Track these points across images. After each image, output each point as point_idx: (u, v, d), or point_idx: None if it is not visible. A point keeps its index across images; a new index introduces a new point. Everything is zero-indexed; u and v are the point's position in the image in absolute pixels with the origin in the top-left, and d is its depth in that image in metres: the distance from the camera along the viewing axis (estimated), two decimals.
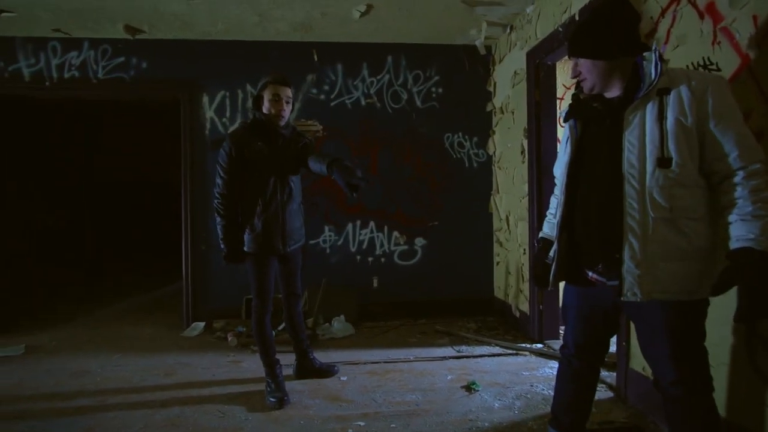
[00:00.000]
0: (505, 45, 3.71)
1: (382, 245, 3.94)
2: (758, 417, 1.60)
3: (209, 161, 3.79)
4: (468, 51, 3.96)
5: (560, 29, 2.81)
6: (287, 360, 3.01)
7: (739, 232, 1.22)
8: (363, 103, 3.92)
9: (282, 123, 2.34)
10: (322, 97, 3.89)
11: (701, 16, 1.81)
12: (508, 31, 3.62)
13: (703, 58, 1.80)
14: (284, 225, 2.40)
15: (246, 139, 2.32)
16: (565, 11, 2.79)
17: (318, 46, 3.85)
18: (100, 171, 6.49)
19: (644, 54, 1.36)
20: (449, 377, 2.66)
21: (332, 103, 3.90)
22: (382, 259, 3.94)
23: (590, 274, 1.49)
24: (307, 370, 2.71)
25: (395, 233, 3.93)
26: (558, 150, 1.65)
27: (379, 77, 3.93)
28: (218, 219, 2.41)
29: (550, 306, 3.21)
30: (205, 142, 3.80)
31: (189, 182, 3.79)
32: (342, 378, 2.70)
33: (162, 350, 3.24)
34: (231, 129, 2.46)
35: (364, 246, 3.92)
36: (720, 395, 1.70)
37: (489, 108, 4.01)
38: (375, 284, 3.92)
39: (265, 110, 2.31)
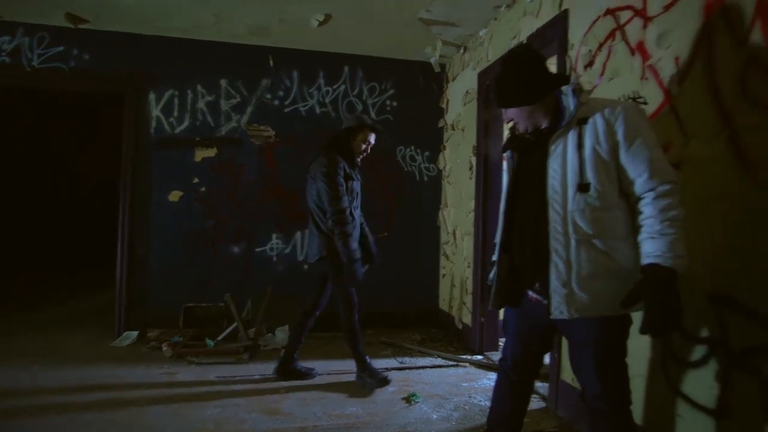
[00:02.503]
0: (458, 64, 3.84)
1: None
2: (670, 426, 1.72)
3: (154, 161, 3.63)
4: (423, 67, 4.06)
5: (510, 51, 2.94)
6: (223, 371, 2.91)
7: (649, 249, 1.30)
8: (318, 111, 3.91)
9: (359, 159, 2.74)
10: (276, 102, 3.84)
11: (632, 53, 1.97)
12: (462, 51, 3.75)
13: (633, 91, 1.95)
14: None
15: (345, 162, 2.65)
16: (515, 37, 2.93)
17: (274, 51, 3.81)
18: (37, 168, 6.03)
19: (563, 88, 1.47)
20: (390, 389, 2.66)
21: (286, 110, 3.86)
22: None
23: (529, 293, 1.57)
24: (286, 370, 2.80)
25: None
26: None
27: (335, 87, 3.94)
28: (347, 231, 2.53)
29: (491, 319, 3.30)
30: (149, 142, 3.63)
31: (129, 182, 3.60)
32: (282, 389, 2.63)
33: (89, 361, 3.03)
34: (329, 152, 2.65)
35: None
36: (637, 405, 1.82)
37: (441, 124, 4.11)
38: None
39: (356, 145, 2.68)
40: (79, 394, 2.51)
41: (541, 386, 2.59)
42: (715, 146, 1.56)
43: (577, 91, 1.45)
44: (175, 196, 3.67)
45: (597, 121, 1.40)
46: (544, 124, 1.50)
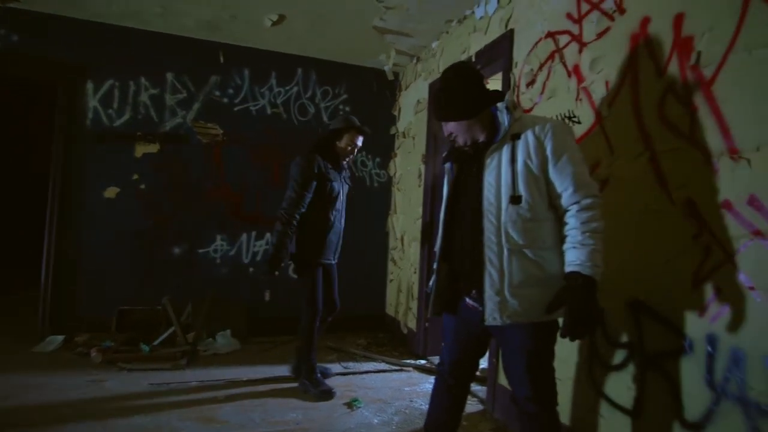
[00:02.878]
0: (411, 74, 3.91)
1: None
2: (593, 424, 1.84)
3: (89, 154, 3.41)
4: (377, 74, 4.10)
5: (450, 67, 3.04)
6: (157, 378, 2.80)
7: (571, 258, 1.40)
8: (269, 111, 3.84)
9: (345, 162, 2.75)
10: (226, 100, 3.74)
11: (569, 75, 2.10)
12: (415, 61, 3.83)
13: (569, 110, 2.08)
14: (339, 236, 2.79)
15: (326, 164, 2.66)
16: (464, 51, 3.04)
17: (225, 47, 3.71)
18: None
19: (498, 105, 1.56)
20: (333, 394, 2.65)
21: (236, 108, 3.76)
22: (276, 273, 3.82)
23: (467, 300, 1.63)
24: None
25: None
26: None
27: (287, 88, 3.89)
28: (282, 229, 2.58)
29: (435, 324, 3.37)
30: (85, 134, 3.41)
31: (60, 176, 3.36)
32: (220, 396, 2.55)
33: (5, 368, 2.79)
34: (309, 152, 2.66)
35: (258, 257, 3.79)
36: (565, 406, 1.93)
37: (393, 131, 4.17)
38: (267, 298, 3.80)
39: (342, 147, 2.70)
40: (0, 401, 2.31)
41: (480, 390, 2.68)
42: (638, 166, 1.70)
43: (511, 108, 1.54)
44: (111, 192, 3.47)
45: (528, 137, 1.48)
46: (481, 138, 1.56)
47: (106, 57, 3.45)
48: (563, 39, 2.14)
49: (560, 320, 1.47)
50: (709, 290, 1.43)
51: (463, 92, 1.51)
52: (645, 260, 1.65)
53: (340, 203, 2.75)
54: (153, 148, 3.56)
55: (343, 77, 4.03)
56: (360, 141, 2.74)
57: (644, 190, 1.66)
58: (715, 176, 1.43)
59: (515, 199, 1.47)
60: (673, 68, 1.58)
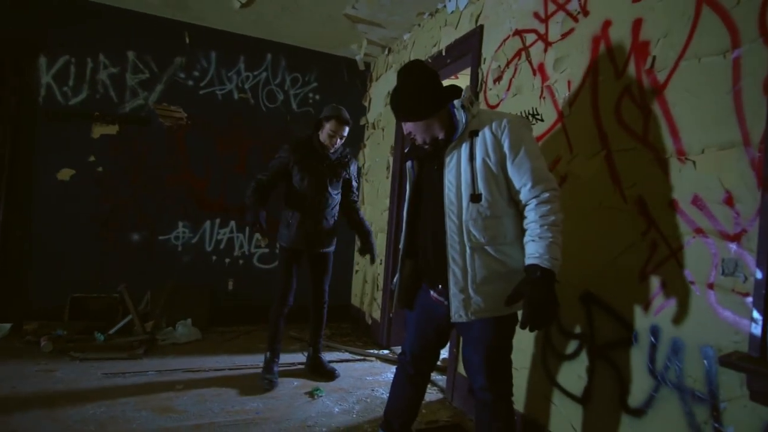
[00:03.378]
0: (382, 65, 3.90)
1: (241, 246, 3.78)
2: (546, 411, 1.92)
3: (41, 133, 3.24)
4: (348, 64, 4.07)
5: (429, 60, 3.06)
6: (112, 367, 2.72)
7: (530, 251, 1.43)
8: (236, 96, 3.75)
9: (331, 151, 2.64)
10: (191, 83, 3.62)
11: (534, 73, 2.15)
12: (386, 52, 3.82)
13: (533, 108, 2.13)
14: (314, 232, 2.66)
15: (299, 151, 2.62)
16: (435, 45, 3.05)
17: (192, 28, 3.59)
18: None
19: (455, 102, 1.54)
20: (295, 383, 2.65)
21: (201, 92, 3.65)
22: (241, 261, 3.78)
23: (431, 293, 1.66)
24: (317, 368, 2.80)
25: (257, 235, 3.80)
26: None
27: (255, 73, 3.81)
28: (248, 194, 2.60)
29: (399, 315, 3.41)
30: (36, 111, 3.23)
31: (8, 156, 3.17)
32: (178, 386, 2.50)
33: None
34: (294, 136, 2.72)
35: (222, 246, 3.72)
36: (520, 394, 2.00)
37: (362, 122, 4.15)
38: (230, 287, 3.74)
39: (321, 138, 2.62)
40: None
41: (439, 379, 2.74)
42: (594, 164, 1.76)
43: (467, 104, 1.53)
44: (65, 174, 3.31)
45: (486, 134, 1.50)
46: (440, 136, 1.56)
47: (61, 31, 3.27)
48: (530, 37, 2.19)
49: (520, 313, 1.52)
50: (654, 284, 1.51)
51: (418, 91, 1.50)
52: (597, 254, 1.72)
53: (319, 193, 2.63)
54: (112, 129, 3.41)
55: (313, 65, 3.97)
56: (344, 131, 2.62)
57: (599, 188, 1.73)
58: (664, 176, 1.50)
59: (475, 197, 1.48)
60: (631, 71, 1.64)
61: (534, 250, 1.41)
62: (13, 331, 3.11)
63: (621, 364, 1.61)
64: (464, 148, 1.52)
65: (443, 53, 2.92)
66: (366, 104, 4.16)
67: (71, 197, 3.32)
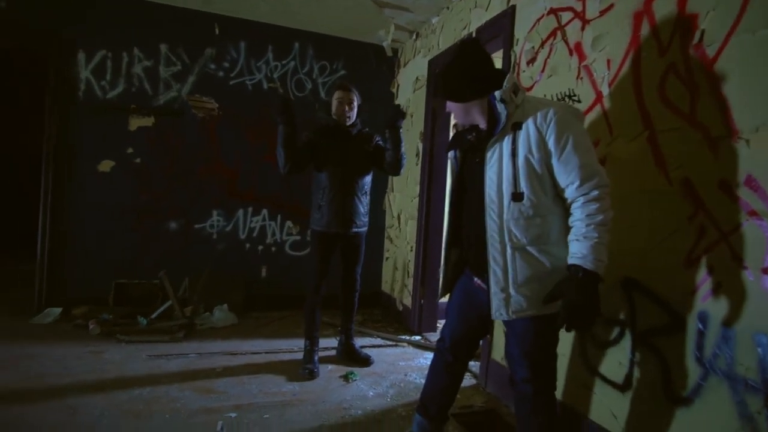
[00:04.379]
0: (410, 50, 3.85)
1: (273, 234, 3.85)
2: (585, 399, 1.89)
3: (83, 127, 3.36)
4: (376, 50, 4.04)
5: (458, 43, 3.00)
6: (155, 350, 2.83)
7: (573, 250, 1.36)
8: (265, 86, 3.78)
9: (347, 123, 2.61)
10: (221, 74, 3.67)
11: (570, 53, 2.07)
12: (414, 37, 3.77)
13: (569, 89, 2.06)
14: (344, 209, 2.62)
15: (319, 132, 2.63)
16: (465, 27, 2.99)
17: (221, 19, 3.63)
18: None
19: (495, 94, 1.44)
20: (329, 368, 2.70)
21: (231, 82, 3.70)
22: (273, 248, 3.85)
23: (476, 280, 1.63)
24: (349, 353, 2.84)
25: (288, 223, 3.86)
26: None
27: (284, 62, 3.83)
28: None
29: (430, 302, 3.42)
30: (78, 106, 3.36)
31: (53, 149, 3.32)
32: (217, 368, 2.59)
33: (3, 338, 2.81)
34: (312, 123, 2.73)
35: (255, 234, 3.80)
36: (558, 382, 1.97)
37: None
38: (264, 273, 3.82)
39: (333, 112, 2.63)
40: None
41: (473, 364, 2.73)
42: (636, 146, 1.70)
43: (507, 98, 1.43)
44: (106, 166, 3.44)
45: (529, 128, 1.41)
46: (482, 125, 1.51)
47: (97, 26, 3.36)
48: (566, 16, 2.11)
49: None
50: (702, 269, 1.46)
51: (462, 73, 1.46)
52: (639, 240, 1.67)
53: (346, 170, 2.60)
54: (148, 121, 3.51)
55: (341, 52, 3.96)
56: (351, 96, 2.58)
57: (641, 170, 1.67)
58: (714, 156, 1.44)
59: (517, 196, 1.42)
60: (676, 47, 1.56)
61: (577, 250, 1.35)
62: (63, 315, 3.28)
63: (665, 352, 1.56)
64: (506, 143, 1.45)
65: (473, 35, 2.86)
66: (394, 90, 4.13)
67: (112, 188, 3.45)
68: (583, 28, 2.00)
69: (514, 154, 1.43)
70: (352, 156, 2.63)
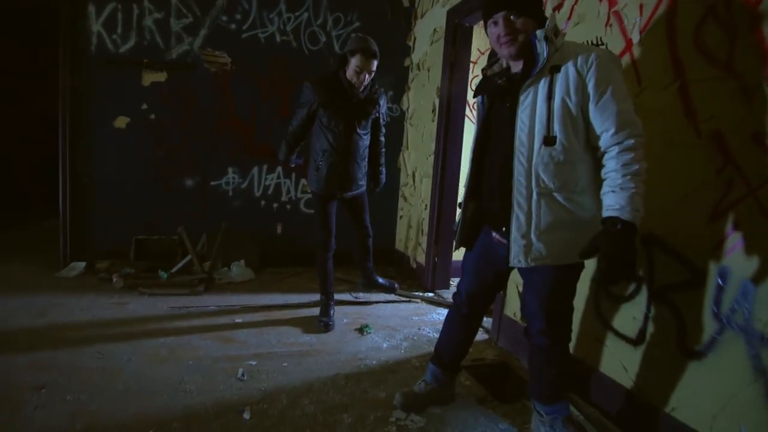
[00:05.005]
0: (428, 0, 3.68)
1: (288, 192, 3.86)
2: (596, 353, 1.91)
3: (96, 82, 3.35)
4: (392, 1, 3.87)
5: None
6: (177, 302, 2.92)
7: (609, 202, 1.31)
8: (278, 39, 3.68)
9: (360, 88, 2.47)
10: (233, 26, 3.58)
11: None
12: None
13: (597, 37, 1.96)
14: (344, 174, 2.60)
15: (324, 91, 2.48)
16: None
17: None
18: None
19: (536, 33, 1.38)
20: (345, 321, 2.77)
21: (244, 35, 3.61)
22: (288, 206, 3.87)
23: (494, 234, 1.61)
24: (371, 283, 3.03)
25: (303, 180, 3.86)
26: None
27: (297, 14, 3.70)
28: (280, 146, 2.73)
29: (444, 259, 3.44)
30: (91, 61, 3.32)
31: (68, 106, 3.32)
32: (237, 320, 2.68)
33: (33, 290, 2.93)
34: (316, 76, 2.60)
35: (270, 191, 3.81)
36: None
37: (407, 63, 4.00)
38: (279, 231, 3.86)
39: (348, 75, 2.44)
40: (25, 320, 2.45)
41: (485, 320, 2.77)
42: (665, 97, 1.62)
43: (551, 36, 1.38)
44: (121, 122, 3.44)
45: (569, 71, 1.36)
46: (517, 67, 1.45)
47: None
48: None
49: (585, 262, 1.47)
50: (727, 224, 1.42)
51: None
52: (665, 195, 1.62)
53: (349, 134, 2.52)
54: (161, 76, 3.47)
55: (356, 3, 3.81)
56: (372, 66, 2.42)
57: (670, 122, 1.60)
58: (749, 107, 1.37)
59: (549, 140, 1.37)
60: None
61: (615, 201, 1.30)
62: (87, 269, 3.39)
63: (682, 307, 1.56)
64: (542, 85, 1.39)
65: None
66: (410, 44, 3.98)
67: (128, 144, 3.46)
68: None
69: (550, 96, 1.38)
70: (357, 120, 2.54)
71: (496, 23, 1.44)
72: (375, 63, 2.44)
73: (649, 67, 1.70)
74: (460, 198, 1.77)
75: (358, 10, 3.82)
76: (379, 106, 2.64)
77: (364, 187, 2.78)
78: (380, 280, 2.95)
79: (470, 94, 3.63)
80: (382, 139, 2.83)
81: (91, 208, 3.46)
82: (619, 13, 1.85)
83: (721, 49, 1.45)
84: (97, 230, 3.49)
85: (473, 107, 3.76)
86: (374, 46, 2.42)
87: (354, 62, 2.40)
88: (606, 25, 1.91)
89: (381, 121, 2.73)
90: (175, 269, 3.35)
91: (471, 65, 3.45)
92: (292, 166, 2.69)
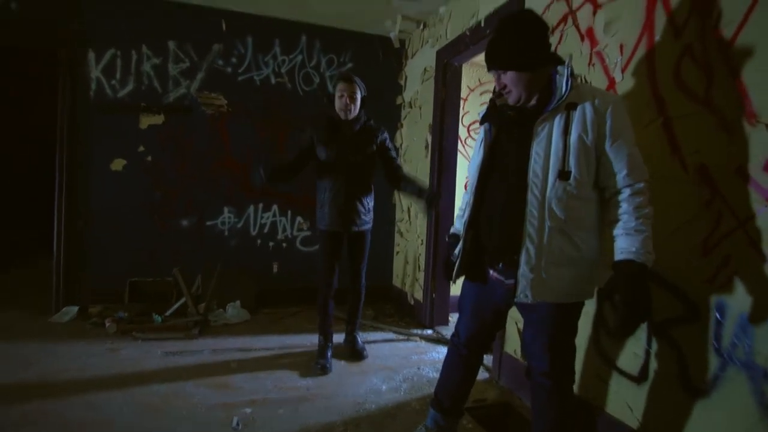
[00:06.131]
0: (417, 41, 3.81)
1: (284, 230, 3.86)
2: (601, 391, 1.87)
3: (94, 126, 3.40)
4: (383, 42, 4.00)
5: (467, 33, 2.96)
6: (171, 347, 2.87)
7: (623, 245, 1.33)
8: (273, 81, 3.78)
9: (349, 117, 2.54)
10: (229, 70, 3.67)
11: (582, 39, 2.03)
12: (421, 27, 3.72)
13: (582, 75, 2.02)
14: (345, 209, 2.58)
15: (319, 127, 2.58)
16: (473, 16, 2.94)
17: (228, 15, 3.62)
18: None
19: (558, 68, 1.42)
20: (342, 362, 2.71)
21: (239, 78, 3.70)
22: (284, 244, 3.86)
23: (491, 272, 1.59)
24: (350, 351, 2.84)
25: (299, 218, 3.87)
26: (473, 151, 1.70)
27: (291, 56, 3.81)
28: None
29: (442, 295, 3.41)
30: (89, 105, 3.39)
31: (66, 148, 3.36)
32: (232, 364, 2.61)
33: (23, 337, 2.87)
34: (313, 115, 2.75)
35: (266, 230, 3.81)
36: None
37: (399, 101, 4.10)
38: (275, 269, 3.84)
39: (336, 108, 2.57)
40: (14, 370, 2.39)
41: (486, 358, 2.71)
42: (650, 133, 1.66)
43: (572, 74, 1.41)
44: (118, 164, 3.47)
45: (587, 109, 1.38)
46: (531, 101, 1.46)
47: (106, 25, 3.38)
48: (576, 1, 2.06)
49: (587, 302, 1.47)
50: (719, 258, 1.42)
51: (529, 39, 1.39)
52: (656, 227, 1.62)
53: (346, 167, 2.54)
54: (158, 119, 3.53)
55: (348, 45, 3.93)
56: (354, 90, 2.51)
57: (656, 157, 1.63)
58: (731, 141, 1.39)
59: (564, 175, 1.38)
60: (691, 28, 1.52)
61: (630, 244, 1.31)
62: (80, 313, 3.34)
63: (682, 342, 1.53)
64: (558, 121, 1.40)
65: (482, 24, 2.81)
66: (402, 83, 4.09)
67: (124, 186, 3.48)
68: (594, 13, 1.95)
69: (566, 132, 1.39)
70: (353, 154, 2.56)
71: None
72: (355, 87, 2.54)
73: (632, 104, 1.74)
74: (452, 229, 1.77)
75: (350, 52, 3.95)
76: (377, 138, 2.64)
77: (369, 225, 2.73)
78: (356, 345, 2.82)
79: (462, 130, 3.70)
80: (393, 156, 2.70)
81: (85, 251, 3.44)
82: (601, 53, 1.91)
83: (699, 86, 1.49)
84: (92, 273, 3.46)
85: (465, 143, 3.83)
86: (351, 74, 2.59)
87: (336, 91, 2.55)
88: (589, 64, 1.97)
89: (387, 146, 2.69)
90: (169, 312, 3.31)
91: (461, 102, 3.54)
92: (257, 182, 2.42)
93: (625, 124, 1.39)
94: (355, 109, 2.55)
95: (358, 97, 2.56)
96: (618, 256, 1.33)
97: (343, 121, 2.56)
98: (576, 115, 1.38)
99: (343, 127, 2.56)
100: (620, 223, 1.35)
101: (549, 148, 1.40)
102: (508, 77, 1.43)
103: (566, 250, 1.41)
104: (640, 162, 1.38)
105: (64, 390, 2.22)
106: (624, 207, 1.35)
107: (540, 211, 1.41)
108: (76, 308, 3.35)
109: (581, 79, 2.00)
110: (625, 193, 1.35)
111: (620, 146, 1.36)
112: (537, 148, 1.42)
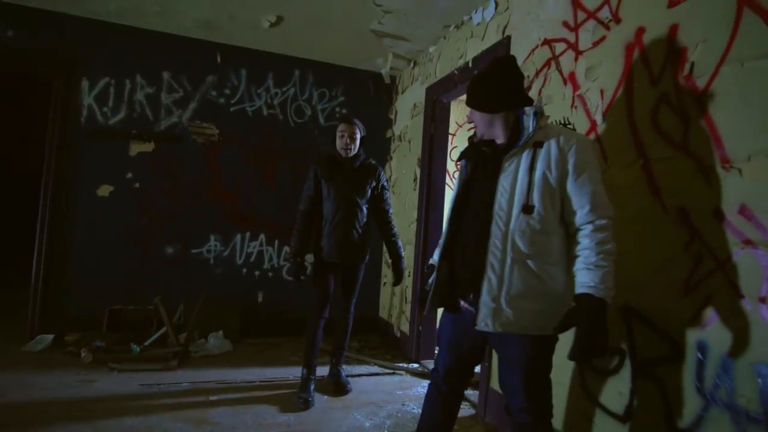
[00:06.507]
0: (408, 78, 3.93)
1: (271, 259, 3.83)
2: (586, 430, 1.85)
3: (83, 151, 3.39)
4: (374, 78, 4.12)
5: (456, 72, 3.07)
6: (148, 379, 2.78)
7: (583, 279, 1.36)
8: (265, 113, 3.84)
9: (350, 155, 2.67)
10: (222, 100, 3.73)
11: (564, 83, 2.12)
12: (412, 65, 3.85)
13: (564, 117, 2.10)
14: (344, 241, 2.66)
15: (323, 166, 2.71)
16: (461, 57, 3.05)
17: (223, 47, 3.71)
18: None
19: (525, 109, 1.51)
20: (325, 398, 2.65)
21: (232, 109, 3.75)
22: (270, 274, 3.83)
23: (462, 303, 1.61)
24: (334, 385, 2.79)
25: (285, 248, 3.85)
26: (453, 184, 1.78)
27: (284, 89, 3.89)
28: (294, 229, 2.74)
29: (428, 328, 3.38)
30: (79, 131, 3.39)
31: (53, 173, 3.33)
32: (211, 398, 2.53)
33: None
34: (319, 154, 2.88)
35: (252, 259, 3.78)
36: (558, 411, 1.93)
37: (389, 135, 4.18)
38: (260, 299, 3.78)
39: (338, 147, 2.70)
40: None
41: (471, 393, 2.68)
42: (631, 174, 1.72)
43: (538, 114, 1.50)
44: (104, 190, 3.45)
45: (551, 147, 1.44)
46: (501, 140, 1.55)
47: (102, 54, 3.43)
48: (559, 47, 2.16)
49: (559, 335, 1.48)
50: (700, 298, 1.45)
51: (495, 85, 1.52)
52: (636, 268, 1.66)
53: (345, 202, 2.65)
54: (148, 147, 3.54)
55: (340, 79, 4.04)
56: (354, 130, 2.67)
57: (637, 198, 1.68)
58: (707, 185, 1.45)
59: (527, 209, 1.43)
60: (668, 78, 1.60)
61: (589, 279, 1.35)
62: (55, 341, 3.22)
63: (665, 382, 1.54)
64: (525, 157, 1.47)
65: (470, 65, 2.92)
66: (392, 117, 4.19)
67: (110, 212, 3.45)
68: (576, 59, 2.05)
69: (532, 168, 1.45)
70: (353, 189, 2.69)
71: None
72: (355, 128, 2.69)
73: (613, 146, 1.81)
74: (430, 260, 1.79)
75: (342, 86, 4.04)
76: (376, 178, 2.77)
77: (365, 259, 2.79)
78: (340, 379, 2.78)
79: (450, 164, 3.77)
80: (387, 208, 2.84)
81: (65, 277, 3.36)
82: (583, 97, 1.99)
83: (676, 131, 1.56)
84: (72, 300, 3.37)
85: (453, 176, 3.89)
86: (351, 116, 2.77)
87: (338, 130, 2.70)
88: (571, 107, 2.05)
89: (384, 195, 2.82)
90: (148, 342, 3.22)
91: (450, 137, 3.62)
92: (307, 266, 2.63)
93: (589, 161, 1.44)
94: (355, 147, 2.70)
95: (358, 136, 2.71)
96: (578, 289, 1.37)
97: (344, 159, 2.69)
98: (542, 153, 1.45)
99: (343, 164, 2.69)
100: (581, 258, 1.39)
101: (515, 182, 1.46)
102: (475, 115, 1.58)
103: (530, 282, 1.43)
104: (605, 199, 1.42)
105: (30, 424, 2.12)
106: (585, 242, 1.39)
107: (503, 242, 1.45)
108: (50, 337, 3.24)
109: (563, 121, 2.08)
110: (587, 228, 1.40)
111: (583, 183, 1.41)
112: (504, 182, 1.48)
